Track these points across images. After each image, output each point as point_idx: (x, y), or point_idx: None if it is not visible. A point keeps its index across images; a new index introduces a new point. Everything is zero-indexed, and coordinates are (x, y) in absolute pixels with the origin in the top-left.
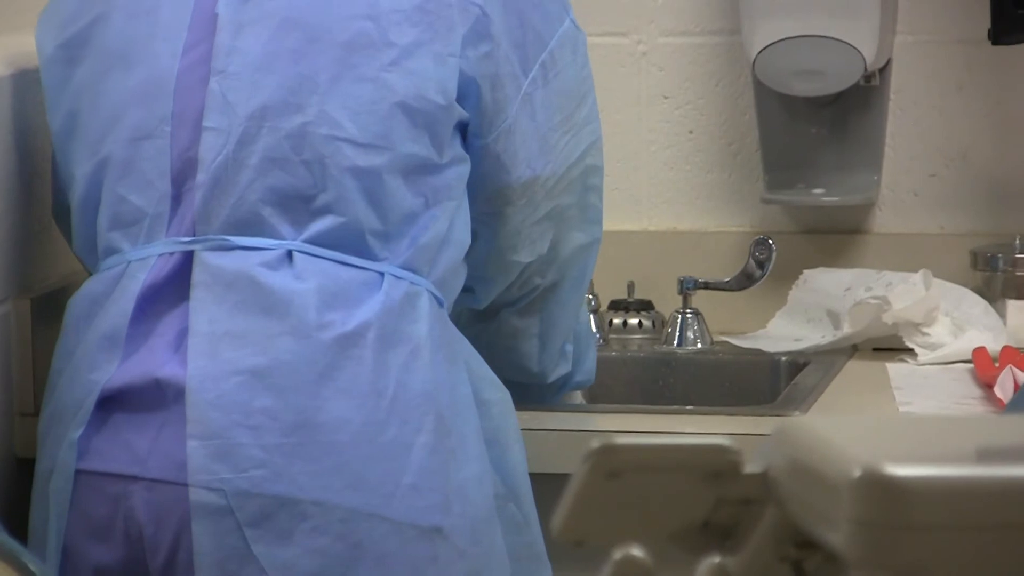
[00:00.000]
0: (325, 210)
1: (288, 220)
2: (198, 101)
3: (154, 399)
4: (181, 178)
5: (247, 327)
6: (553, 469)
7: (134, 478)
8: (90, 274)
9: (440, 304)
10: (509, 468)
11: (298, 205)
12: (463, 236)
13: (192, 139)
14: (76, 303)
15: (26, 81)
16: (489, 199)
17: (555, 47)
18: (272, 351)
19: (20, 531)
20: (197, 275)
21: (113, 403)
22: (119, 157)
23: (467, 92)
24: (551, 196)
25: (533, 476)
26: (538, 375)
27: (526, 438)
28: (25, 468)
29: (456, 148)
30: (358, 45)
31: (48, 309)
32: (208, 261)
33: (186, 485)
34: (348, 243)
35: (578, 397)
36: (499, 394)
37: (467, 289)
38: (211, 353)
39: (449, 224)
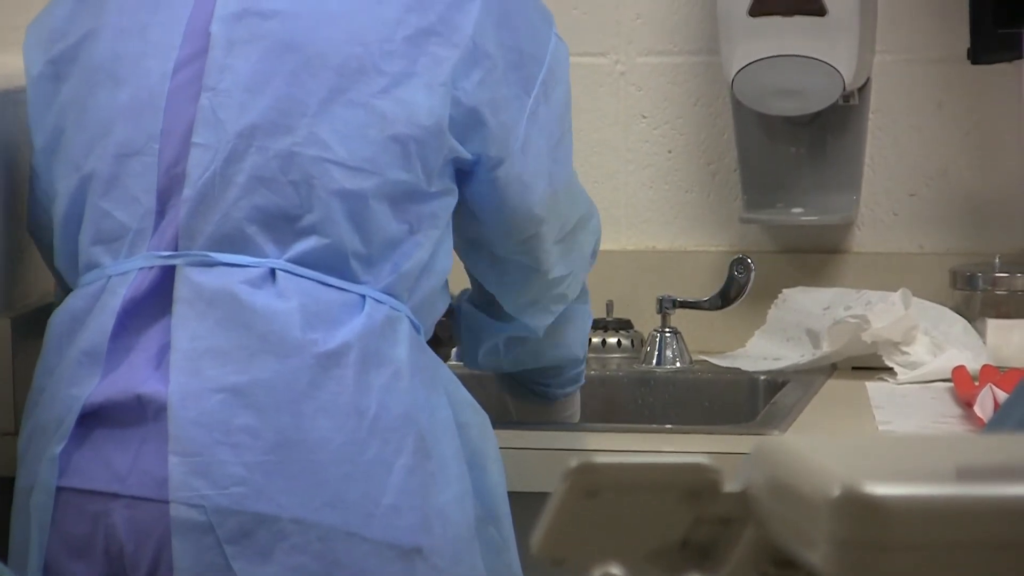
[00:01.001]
0: (310, 231)
1: (272, 239)
2: (188, 117)
3: (135, 415)
4: (167, 194)
5: (229, 345)
6: (532, 488)
7: (114, 495)
8: (69, 290)
9: (418, 330)
10: (488, 490)
11: (283, 225)
12: (444, 264)
13: (180, 155)
14: (57, 320)
15: (9, 100)
16: (524, 223)
17: (551, 63)
18: (253, 369)
19: (2, 549)
20: (179, 290)
21: (94, 419)
22: (104, 173)
23: (472, 123)
24: (572, 207)
25: (512, 495)
26: (583, 357)
27: (505, 457)
28: (6, 487)
29: (446, 180)
30: (349, 70)
31: (29, 328)
32: (190, 277)
33: (167, 502)
34: (331, 264)
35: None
36: (477, 417)
37: (508, 319)
38: (193, 370)
39: (432, 252)
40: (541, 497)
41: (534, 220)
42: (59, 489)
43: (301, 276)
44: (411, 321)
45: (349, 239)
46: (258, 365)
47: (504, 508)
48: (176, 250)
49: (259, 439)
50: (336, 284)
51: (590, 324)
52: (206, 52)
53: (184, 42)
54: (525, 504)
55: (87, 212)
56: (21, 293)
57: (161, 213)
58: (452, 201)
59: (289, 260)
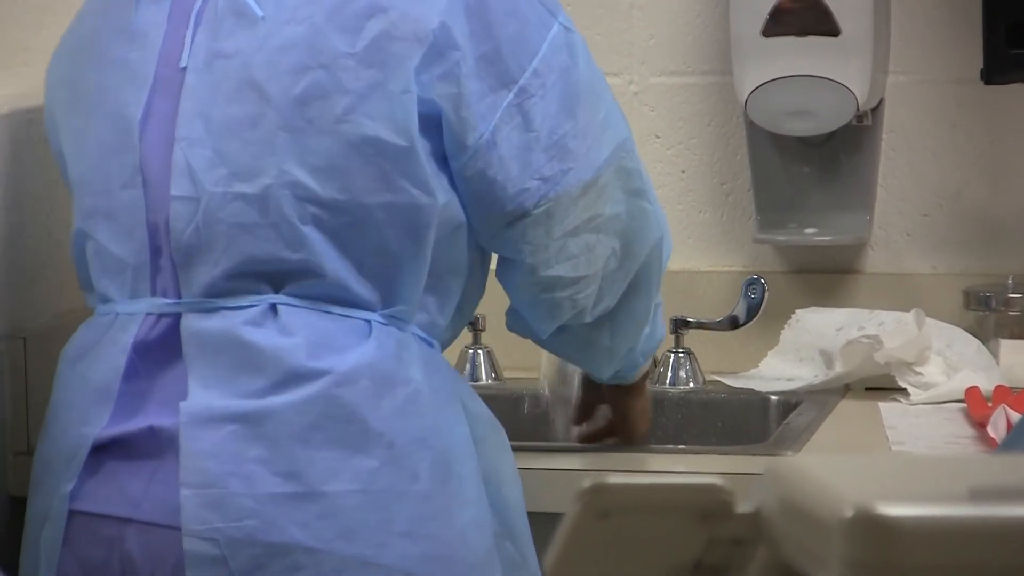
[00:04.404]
0: (301, 268)
1: (266, 280)
2: (163, 161)
3: (147, 445)
4: (156, 231)
5: (239, 383)
6: (545, 508)
7: (128, 520)
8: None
9: (430, 345)
10: (505, 506)
11: (274, 266)
12: (451, 276)
13: (162, 199)
14: (69, 349)
15: (19, 121)
16: (496, 218)
17: (547, 53)
18: (264, 402)
19: (12, 570)
20: (187, 340)
21: (106, 451)
22: (103, 207)
23: (432, 115)
24: (583, 206)
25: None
26: (609, 379)
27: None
28: (19, 507)
29: (444, 185)
30: (311, 97)
31: (41, 348)
32: (194, 325)
33: (180, 529)
34: (330, 295)
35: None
36: (494, 431)
37: (519, 319)
38: (204, 405)
39: (434, 268)
40: (554, 518)
41: (507, 216)
42: (72, 512)
43: (302, 307)
44: (422, 339)
45: (342, 269)
46: (269, 399)
47: (522, 523)
48: (179, 297)
49: (271, 471)
50: (339, 312)
51: (612, 360)
52: (177, 91)
53: (157, 73)
54: (538, 525)
55: (89, 246)
56: (34, 312)
57: (157, 250)
58: (454, 207)
59: (287, 294)
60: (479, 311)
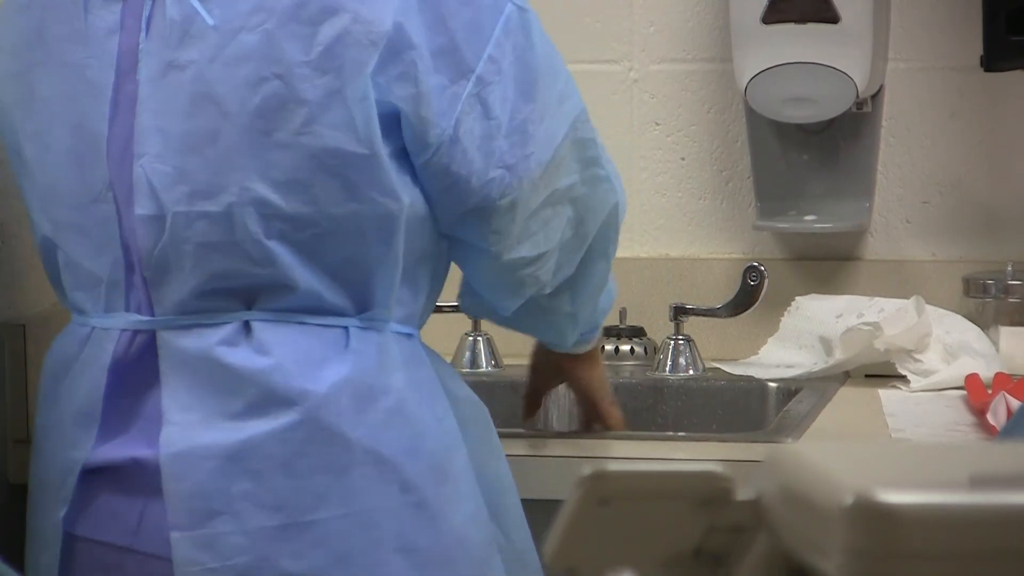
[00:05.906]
0: (272, 282)
1: (238, 296)
2: (127, 176)
3: (134, 477)
4: (129, 249)
5: (218, 410)
6: (545, 496)
7: (128, 550)
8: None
9: (410, 336)
10: (491, 482)
11: (244, 282)
12: (421, 266)
13: (130, 215)
14: (51, 361)
15: None
16: (463, 212)
17: (501, 36)
18: (244, 432)
19: (14, 557)
20: (163, 359)
21: (99, 476)
22: (71, 220)
23: (391, 115)
24: (543, 185)
25: (525, 503)
26: (572, 347)
27: (518, 464)
28: (18, 494)
29: (408, 184)
30: (269, 109)
31: (40, 335)
32: (171, 343)
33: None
34: (304, 306)
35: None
36: (477, 411)
37: (483, 305)
38: (185, 440)
39: (405, 264)
40: (554, 504)
41: (472, 212)
42: (73, 537)
43: (276, 322)
44: (402, 334)
45: (315, 281)
46: (248, 429)
47: (507, 501)
48: (152, 314)
49: (258, 504)
50: (315, 322)
51: (575, 322)
52: (135, 103)
53: (116, 84)
54: (537, 512)
55: (60, 258)
56: (33, 300)
57: (130, 266)
58: (420, 206)
59: (260, 309)
60: None
